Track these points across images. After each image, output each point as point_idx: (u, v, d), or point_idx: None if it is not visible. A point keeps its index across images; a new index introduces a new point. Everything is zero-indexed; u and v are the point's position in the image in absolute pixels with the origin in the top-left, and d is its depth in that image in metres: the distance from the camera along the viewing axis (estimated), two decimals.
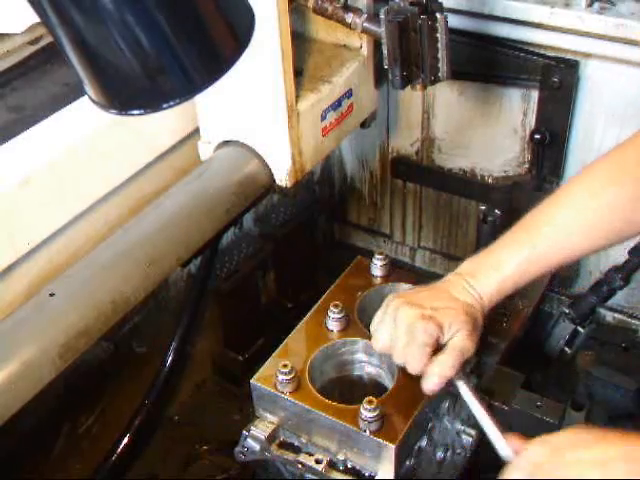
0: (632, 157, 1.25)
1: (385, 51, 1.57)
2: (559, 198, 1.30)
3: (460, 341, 1.23)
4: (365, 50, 1.78)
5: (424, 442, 1.36)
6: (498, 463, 1.14)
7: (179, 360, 1.87)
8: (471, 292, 1.27)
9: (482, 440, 1.19)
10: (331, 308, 1.44)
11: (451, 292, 1.27)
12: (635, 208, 1.23)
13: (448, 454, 1.40)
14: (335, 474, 1.31)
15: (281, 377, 1.32)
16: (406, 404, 1.30)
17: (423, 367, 1.23)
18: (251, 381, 1.36)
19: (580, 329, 1.91)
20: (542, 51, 1.79)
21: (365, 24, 1.62)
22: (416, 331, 1.21)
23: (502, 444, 1.17)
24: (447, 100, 2.00)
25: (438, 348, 1.24)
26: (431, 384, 1.23)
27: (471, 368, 1.50)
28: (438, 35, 1.55)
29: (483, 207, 1.96)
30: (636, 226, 1.26)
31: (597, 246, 1.30)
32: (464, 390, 1.24)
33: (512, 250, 1.28)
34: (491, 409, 1.26)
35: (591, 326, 1.91)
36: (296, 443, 1.36)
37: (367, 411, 1.24)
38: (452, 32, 1.58)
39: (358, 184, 2.34)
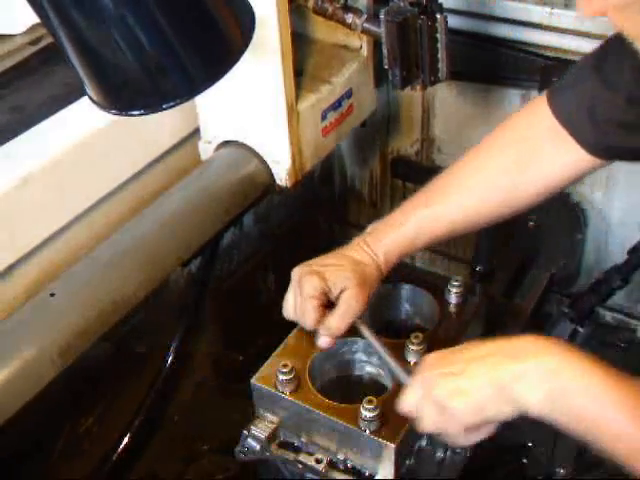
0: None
1: (385, 51, 1.57)
2: (458, 163, 1.38)
3: (347, 298, 1.29)
4: (365, 50, 1.78)
5: (424, 442, 1.36)
6: (498, 462, 1.14)
7: (179, 360, 1.87)
8: (366, 250, 1.34)
9: (481, 440, 1.18)
10: None
11: (346, 252, 1.35)
12: (520, 170, 1.31)
13: (448, 454, 1.39)
14: (335, 474, 1.31)
15: (281, 377, 1.32)
16: None
17: (315, 323, 1.31)
18: (251, 381, 1.36)
19: (580, 329, 1.91)
20: (542, 51, 1.79)
21: (365, 24, 1.62)
22: (303, 285, 1.30)
23: (404, 375, 1.25)
24: (447, 100, 2.00)
25: (331, 305, 1.31)
26: (323, 343, 1.33)
27: None
28: (438, 35, 1.55)
29: None
30: (523, 190, 1.33)
31: (489, 208, 1.35)
32: (364, 330, 1.33)
33: (409, 209, 1.36)
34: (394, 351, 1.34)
35: (591, 326, 1.92)
36: (296, 443, 1.36)
37: (367, 411, 1.23)
38: (452, 32, 1.58)
39: (358, 184, 2.33)
